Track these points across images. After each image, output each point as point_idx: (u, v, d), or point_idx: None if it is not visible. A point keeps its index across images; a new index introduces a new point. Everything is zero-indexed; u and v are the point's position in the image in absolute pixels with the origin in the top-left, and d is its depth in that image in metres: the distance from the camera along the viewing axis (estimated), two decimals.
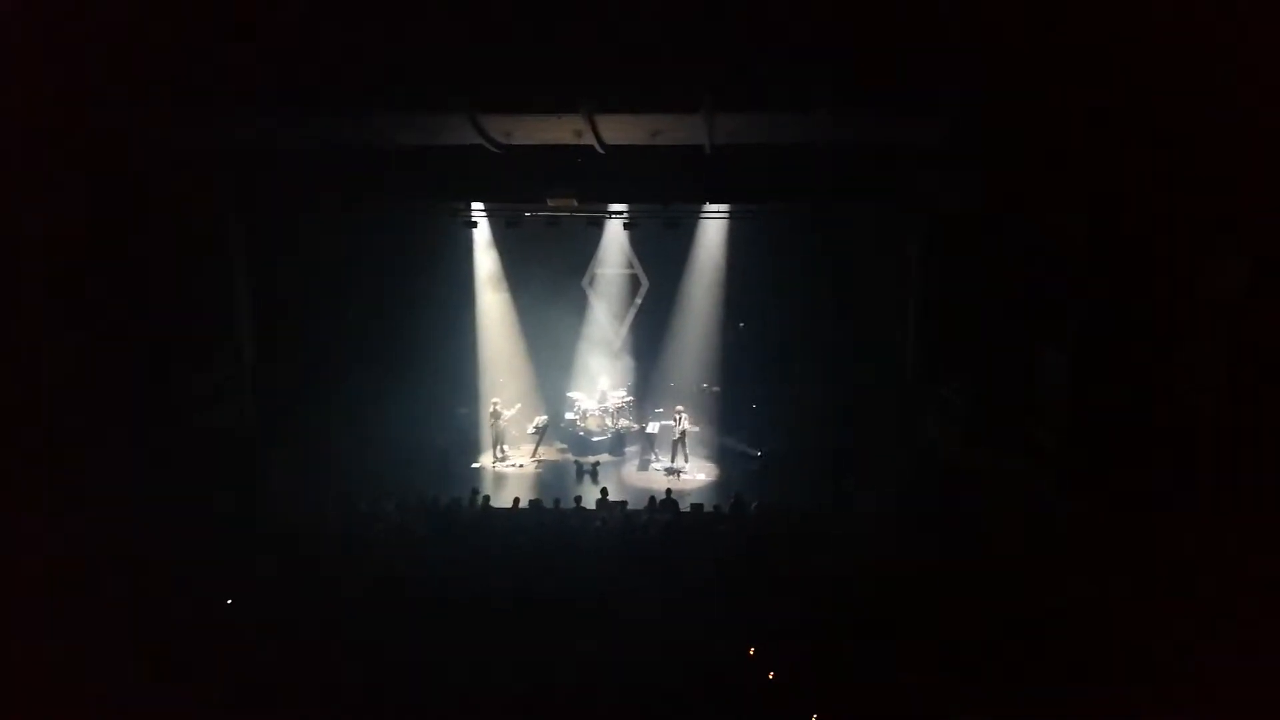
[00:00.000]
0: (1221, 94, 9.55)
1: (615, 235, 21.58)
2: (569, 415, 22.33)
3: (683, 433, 20.62)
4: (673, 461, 20.77)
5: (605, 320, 22.95)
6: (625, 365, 23.05)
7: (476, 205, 19.50)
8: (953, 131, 13.03)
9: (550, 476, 20.80)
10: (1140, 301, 11.42)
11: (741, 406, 21.62)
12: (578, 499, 16.26)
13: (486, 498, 16.48)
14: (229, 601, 11.47)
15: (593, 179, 15.89)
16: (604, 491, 16.74)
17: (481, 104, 12.98)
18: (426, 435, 20.53)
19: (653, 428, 21.57)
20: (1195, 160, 10.32)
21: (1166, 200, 10.90)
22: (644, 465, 21.27)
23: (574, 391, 22.65)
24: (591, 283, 22.72)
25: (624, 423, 22.24)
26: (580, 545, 14.15)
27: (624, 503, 16.30)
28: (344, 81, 12.33)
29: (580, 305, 22.76)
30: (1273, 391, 9.53)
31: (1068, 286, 12.60)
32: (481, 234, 21.19)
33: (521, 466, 21.24)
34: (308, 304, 18.39)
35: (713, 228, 21.07)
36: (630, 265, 22.56)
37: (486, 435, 21.68)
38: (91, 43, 11.07)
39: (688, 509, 15.91)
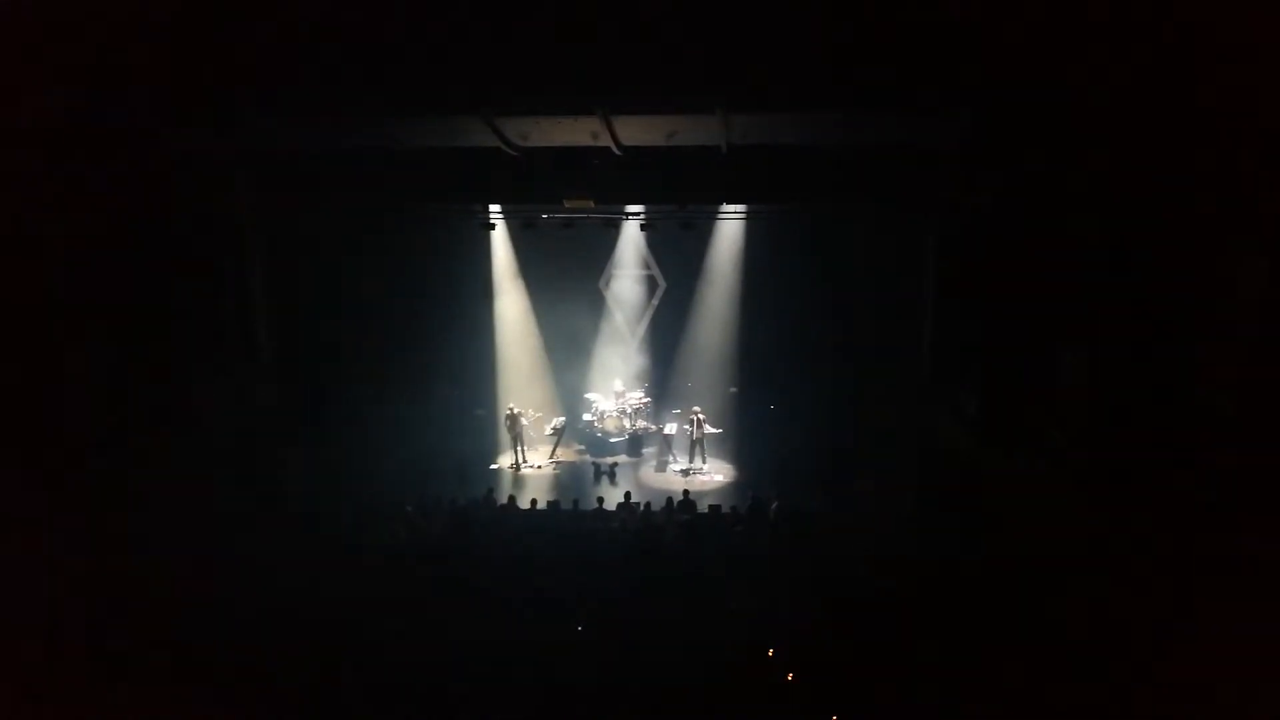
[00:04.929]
0: (1239, 89, 9.51)
1: (632, 236, 21.61)
2: (586, 416, 22.38)
3: (700, 434, 20.62)
4: (691, 462, 20.77)
5: (622, 321, 22.98)
6: (642, 366, 23.08)
7: (494, 207, 19.55)
8: (969, 131, 13.01)
9: (568, 478, 20.85)
10: (1158, 301, 11.37)
11: (759, 407, 21.58)
12: (600, 500, 16.31)
13: (512, 497, 16.56)
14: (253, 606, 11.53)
15: (609, 180, 15.89)
16: (627, 495, 16.77)
17: (498, 107, 13.02)
18: (444, 437, 20.58)
19: (670, 428, 21.61)
20: (1213, 156, 10.27)
21: (1184, 198, 10.84)
22: (662, 466, 21.31)
23: (591, 393, 22.70)
24: (608, 284, 22.76)
25: (641, 424, 22.26)
26: (599, 546, 14.19)
27: (640, 504, 16.31)
28: (362, 85, 12.37)
29: (597, 306, 22.82)
30: None
31: (1084, 286, 12.55)
32: (499, 236, 21.23)
33: (539, 468, 21.29)
34: (325, 306, 18.47)
35: (729, 228, 21.10)
36: (647, 266, 22.60)
37: (504, 437, 21.74)
38: (111, 47, 11.13)
39: (705, 510, 15.92)
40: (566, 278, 22.12)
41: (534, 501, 16.45)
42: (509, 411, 21.28)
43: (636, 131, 13.99)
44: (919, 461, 16.91)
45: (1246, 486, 9.63)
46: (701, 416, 20.70)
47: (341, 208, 17.23)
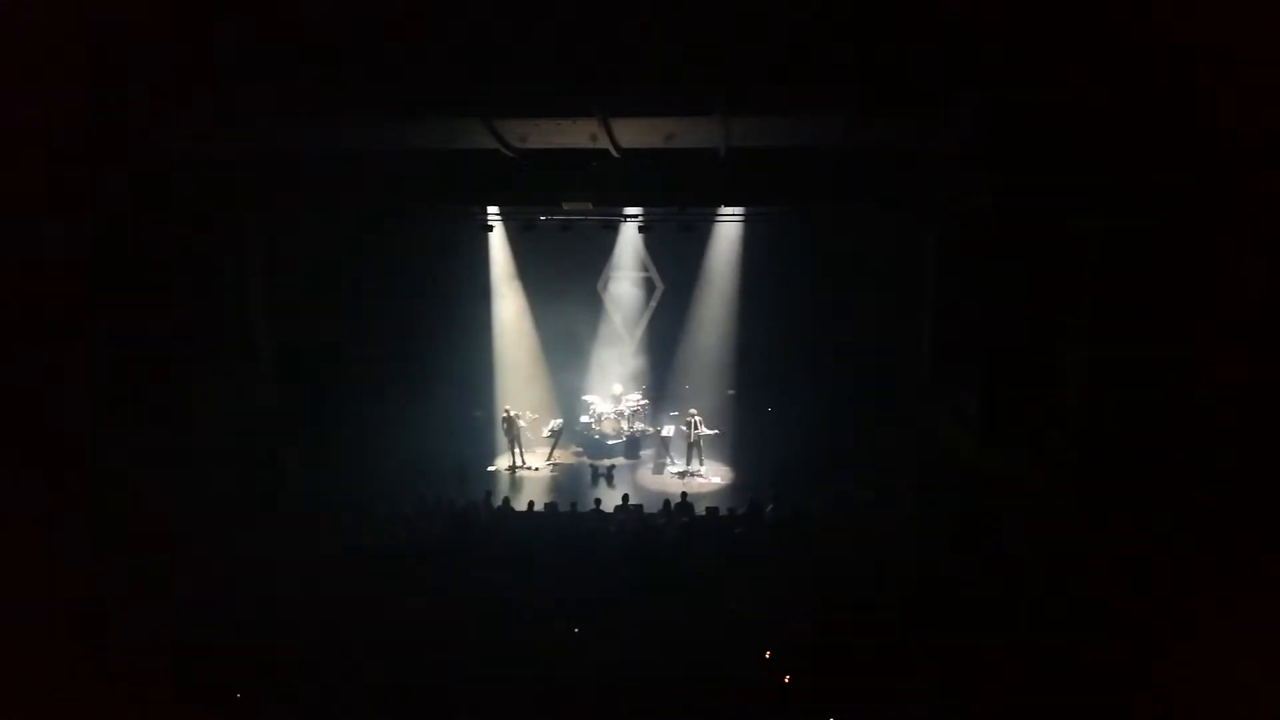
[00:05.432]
0: (1239, 88, 9.52)
1: (630, 238, 21.63)
2: (584, 418, 22.39)
3: (698, 436, 20.62)
4: (688, 464, 20.77)
5: (620, 323, 22.99)
6: (640, 368, 23.08)
7: (492, 209, 19.55)
8: (969, 132, 13.02)
9: (565, 480, 20.86)
10: (1158, 302, 11.38)
11: (757, 409, 21.59)
12: (597, 501, 16.31)
13: (506, 499, 16.55)
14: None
15: (608, 182, 15.90)
16: (625, 497, 16.76)
17: (497, 109, 13.03)
18: (442, 438, 20.56)
19: (668, 430, 21.62)
20: (1213, 155, 10.28)
21: (1184, 198, 10.85)
22: (659, 468, 21.31)
23: (589, 395, 22.70)
24: (606, 286, 22.77)
25: (639, 426, 22.27)
26: (596, 548, 14.18)
27: (639, 506, 16.31)
28: (361, 86, 12.37)
29: (595, 308, 22.83)
30: None
31: (1084, 286, 12.56)
32: (497, 237, 21.26)
33: (537, 470, 21.29)
34: (324, 307, 18.48)
35: (727, 230, 21.13)
36: (645, 268, 22.62)
37: (501, 440, 21.73)
38: (111, 47, 11.14)
39: (703, 512, 15.92)
40: (564, 279, 22.14)
41: (531, 504, 16.45)
42: (505, 414, 21.27)
43: (635, 134, 14.00)
44: (918, 462, 16.92)
45: (1246, 486, 9.64)
46: (698, 419, 20.70)
47: (341, 208, 17.24)
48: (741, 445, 21.69)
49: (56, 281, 12.80)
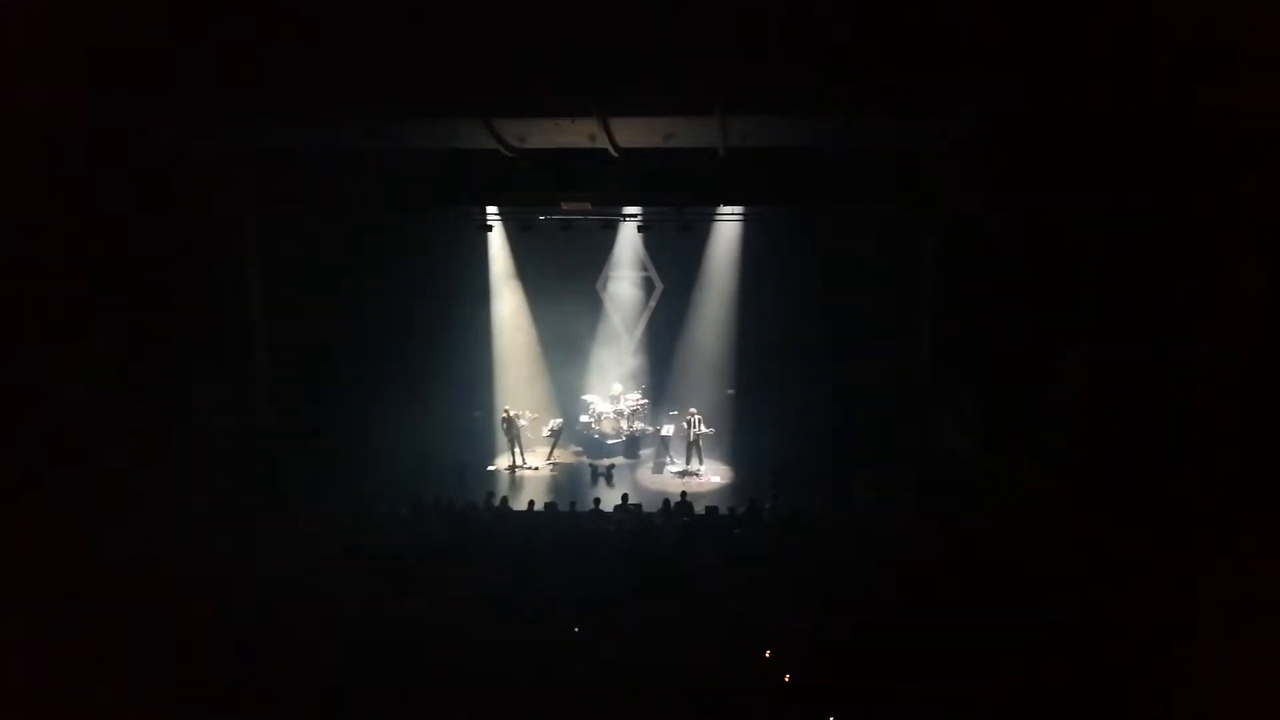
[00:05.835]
0: (1238, 89, 9.53)
1: (629, 238, 21.57)
2: (583, 418, 22.36)
3: (697, 435, 20.61)
4: (688, 464, 20.77)
5: (619, 323, 22.96)
6: (639, 368, 23.06)
7: (491, 209, 19.54)
8: (969, 132, 13.02)
9: (565, 479, 20.84)
10: (1158, 302, 11.39)
11: (756, 408, 21.56)
12: (597, 501, 16.30)
13: (505, 499, 16.54)
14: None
15: (607, 182, 15.89)
16: (624, 497, 16.75)
17: (496, 109, 13.02)
18: (442, 439, 20.53)
19: (667, 430, 21.60)
20: (1212, 156, 10.28)
21: (1183, 198, 10.86)
22: (659, 468, 21.29)
23: (588, 394, 22.69)
24: (605, 286, 22.73)
25: (638, 425, 22.25)
26: (596, 548, 14.17)
27: (639, 506, 16.29)
28: (360, 87, 12.37)
29: (594, 308, 22.79)
30: None
31: (1084, 287, 12.56)
32: (496, 237, 21.23)
33: (536, 469, 21.28)
34: (323, 307, 18.46)
35: (726, 230, 21.09)
36: (644, 268, 22.57)
37: (500, 439, 21.72)
38: (111, 47, 11.15)
39: (703, 512, 15.91)
40: (563, 279, 22.08)
41: (531, 503, 16.44)
42: (505, 413, 21.26)
43: (634, 133, 13.99)
44: (918, 462, 16.92)
45: (1246, 486, 9.64)
46: (698, 417, 20.69)
47: (340, 208, 17.22)
48: (741, 445, 21.67)
49: (56, 281, 12.80)
